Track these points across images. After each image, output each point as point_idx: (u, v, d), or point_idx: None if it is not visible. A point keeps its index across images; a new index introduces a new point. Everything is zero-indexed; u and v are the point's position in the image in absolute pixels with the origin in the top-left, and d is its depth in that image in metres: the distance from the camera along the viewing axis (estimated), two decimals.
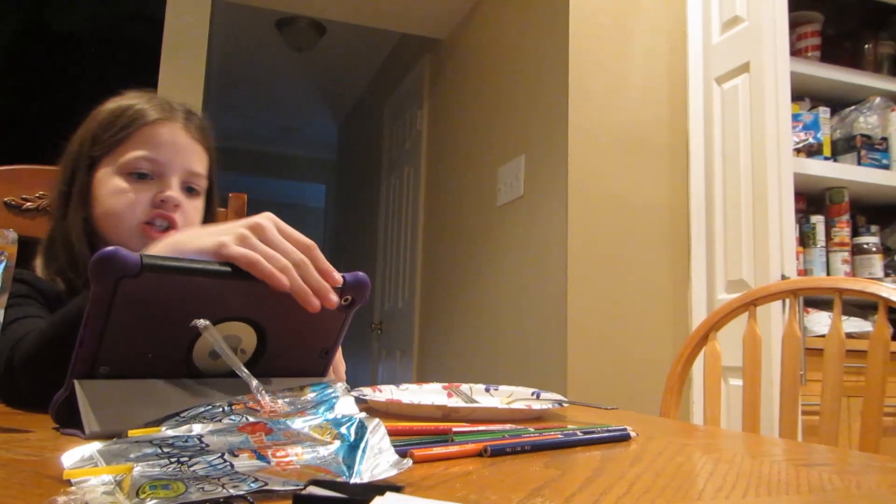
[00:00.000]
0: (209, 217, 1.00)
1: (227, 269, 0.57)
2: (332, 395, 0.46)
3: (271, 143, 5.83)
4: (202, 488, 0.31)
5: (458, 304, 2.76)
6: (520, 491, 0.39)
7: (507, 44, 2.56)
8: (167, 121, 0.92)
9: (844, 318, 1.64)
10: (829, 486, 0.45)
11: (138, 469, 0.32)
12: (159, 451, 0.35)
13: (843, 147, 2.15)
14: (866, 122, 2.15)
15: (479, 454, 0.49)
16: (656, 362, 1.97)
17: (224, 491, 0.31)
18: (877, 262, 2.10)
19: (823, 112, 2.13)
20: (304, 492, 0.32)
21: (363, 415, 0.42)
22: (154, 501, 0.30)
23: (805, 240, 2.07)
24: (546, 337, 2.07)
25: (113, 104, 0.94)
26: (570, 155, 2.03)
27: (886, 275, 2.12)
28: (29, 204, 1.11)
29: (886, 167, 2.14)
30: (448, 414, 0.71)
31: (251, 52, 4.06)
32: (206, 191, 0.97)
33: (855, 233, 2.14)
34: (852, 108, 2.19)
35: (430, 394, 0.90)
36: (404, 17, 3.13)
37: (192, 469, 0.33)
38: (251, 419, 0.41)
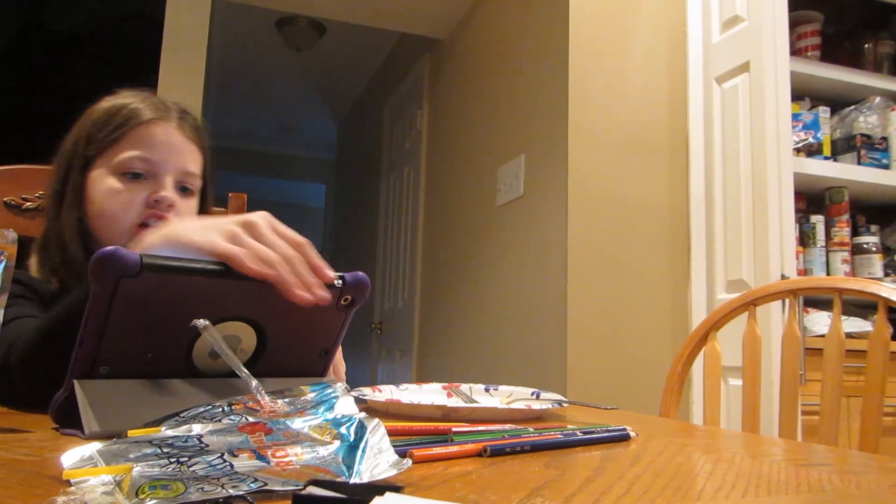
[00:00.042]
0: (204, 215, 1.00)
1: (228, 269, 0.57)
2: (332, 395, 0.46)
3: (271, 142, 5.83)
4: (202, 488, 0.31)
5: (458, 304, 2.76)
6: (519, 491, 0.39)
7: (506, 43, 2.56)
8: (161, 120, 0.92)
9: (844, 317, 1.64)
10: (828, 486, 0.45)
11: (138, 469, 0.32)
12: (159, 451, 0.35)
13: (843, 147, 2.15)
14: (866, 121, 2.15)
15: (479, 454, 0.49)
16: (656, 362, 1.97)
17: (224, 491, 0.31)
18: (876, 262, 2.10)
19: (823, 112, 2.13)
20: (303, 492, 0.32)
21: (363, 415, 0.42)
22: (153, 501, 0.30)
23: (805, 239, 2.07)
24: (546, 337, 2.07)
25: (107, 103, 0.93)
26: (569, 155, 2.03)
27: (886, 274, 2.12)
28: (29, 204, 1.11)
29: (886, 167, 2.14)
30: (448, 414, 0.71)
31: (251, 52, 4.06)
32: (200, 190, 0.97)
33: (855, 232, 2.14)
34: (852, 107, 2.19)
35: (429, 394, 0.90)
36: (404, 17, 3.13)
37: (191, 469, 0.33)
38: (251, 419, 0.41)
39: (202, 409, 0.42)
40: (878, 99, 2.18)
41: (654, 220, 2.07)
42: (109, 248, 0.51)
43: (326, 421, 0.41)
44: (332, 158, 5.64)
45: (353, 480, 0.36)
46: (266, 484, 0.33)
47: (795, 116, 2.01)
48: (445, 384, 0.93)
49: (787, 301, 1.53)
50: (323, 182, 6.01)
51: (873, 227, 2.17)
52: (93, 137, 0.91)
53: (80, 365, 0.53)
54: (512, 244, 2.34)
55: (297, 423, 0.40)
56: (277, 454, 0.36)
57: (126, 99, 0.94)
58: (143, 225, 0.88)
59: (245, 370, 0.49)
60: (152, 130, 0.91)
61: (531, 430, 0.58)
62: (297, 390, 0.47)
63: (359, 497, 0.30)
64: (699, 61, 2.09)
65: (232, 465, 0.34)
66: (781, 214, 1.77)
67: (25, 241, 0.83)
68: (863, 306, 1.98)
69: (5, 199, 1.10)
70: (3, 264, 0.54)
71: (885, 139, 2.16)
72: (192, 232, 0.60)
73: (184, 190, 0.93)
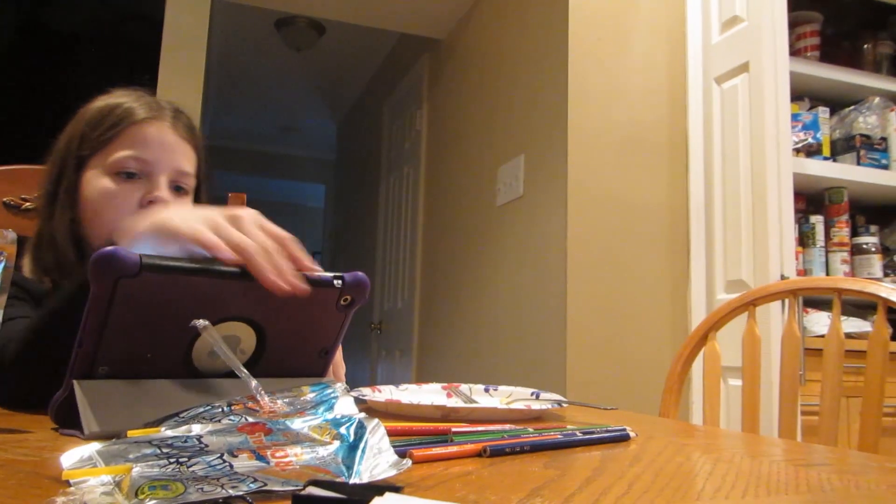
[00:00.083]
0: None
1: (227, 269, 0.57)
2: (332, 395, 0.46)
3: (270, 142, 5.83)
4: (201, 489, 0.31)
5: (458, 304, 2.76)
6: (519, 491, 0.39)
7: (506, 43, 2.56)
8: (155, 120, 0.92)
9: (844, 318, 1.64)
10: (828, 486, 0.45)
11: (137, 469, 0.32)
12: (158, 451, 0.35)
13: (843, 147, 2.15)
14: (865, 122, 2.15)
15: (479, 454, 0.49)
16: (656, 362, 1.98)
17: (223, 491, 0.31)
18: (876, 262, 2.10)
19: (823, 112, 2.13)
20: (303, 492, 0.32)
21: (362, 415, 0.42)
22: (153, 502, 0.30)
23: (804, 240, 2.07)
24: (545, 337, 2.07)
25: (101, 103, 0.93)
26: (569, 155, 2.03)
27: (885, 275, 2.12)
28: (28, 204, 1.11)
29: (885, 167, 2.14)
30: (447, 414, 0.71)
31: (250, 52, 4.06)
32: (194, 189, 0.97)
33: (854, 233, 2.14)
34: (851, 107, 2.19)
35: (429, 394, 0.90)
36: (403, 17, 3.13)
37: (191, 469, 0.33)
38: (250, 419, 0.41)
39: (202, 410, 0.42)
40: (877, 99, 2.18)
41: (654, 220, 2.07)
42: (109, 248, 0.51)
43: (326, 421, 0.41)
44: (332, 158, 5.64)
45: (352, 481, 0.36)
46: (266, 484, 0.33)
47: (795, 117, 2.01)
48: (445, 384, 0.93)
49: (786, 301, 1.53)
50: (322, 182, 6.01)
51: (872, 228, 2.17)
52: (86, 137, 0.90)
53: (79, 365, 0.53)
54: (511, 244, 2.34)
55: (297, 424, 0.40)
56: (277, 454, 0.36)
57: (119, 98, 0.93)
58: None
59: (244, 370, 0.49)
60: (146, 130, 0.91)
61: (531, 430, 0.58)
62: (297, 390, 0.47)
63: (358, 497, 0.30)
64: (699, 61, 2.09)
65: (231, 466, 0.34)
66: (781, 214, 1.77)
67: (22, 241, 0.83)
68: (862, 306, 1.98)
69: (5, 199, 1.10)
70: (3, 264, 0.54)
71: (884, 139, 2.16)
72: (178, 219, 0.61)
73: (178, 189, 0.93)
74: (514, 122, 2.41)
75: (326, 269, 0.63)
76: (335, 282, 0.62)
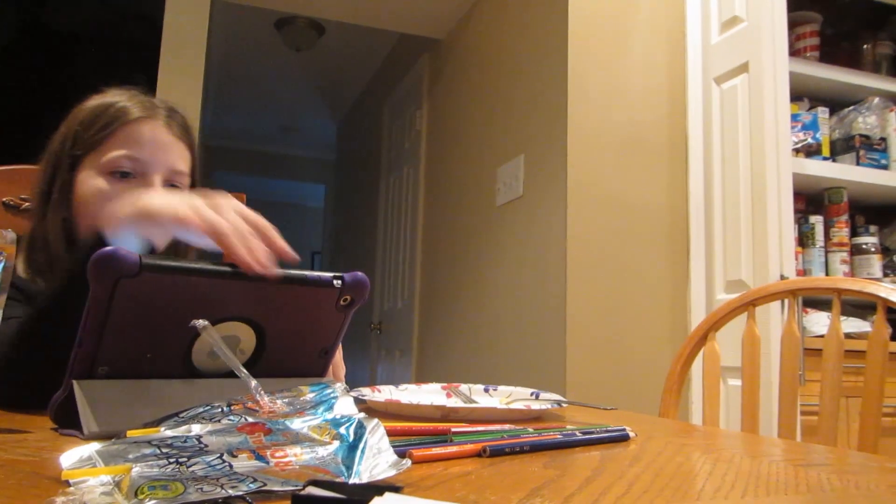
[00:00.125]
0: None
1: (227, 269, 0.57)
2: (331, 395, 0.46)
3: (270, 142, 5.83)
4: (201, 489, 0.31)
5: (458, 305, 2.76)
6: (519, 491, 0.39)
7: (506, 43, 2.56)
8: (149, 119, 0.91)
9: (843, 318, 1.65)
10: (827, 487, 0.45)
11: (137, 469, 0.32)
12: (158, 451, 0.35)
13: (842, 147, 2.15)
14: (865, 122, 2.15)
15: (478, 454, 0.49)
16: (655, 362, 1.98)
17: (223, 491, 0.31)
18: (875, 263, 2.10)
19: (822, 112, 2.13)
20: (302, 492, 0.32)
21: (362, 415, 0.42)
22: (153, 502, 0.30)
23: (804, 240, 2.07)
24: (545, 337, 2.07)
25: (94, 102, 0.93)
26: (569, 155, 2.03)
27: (885, 275, 2.12)
28: (28, 204, 1.11)
29: (885, 167, 2.14)
30: (447, 414, 0.71)
31: (250, 52, 4.06)
32: (189, 188, 0.97)
33: (854, 233, 2.14)
34: (851, 108, 2.19)
35: (429, 394, 0.90)
36: (403, 17, 3.13)
37: (190, 469, 0.33)
38: (250, 419, 0.41)
39: (201, 410, 0.42)
40: (876, 99, 2.18)
41: (654, 220, 2.07)
42: (108, 248, 0.51)
43: (326, 421, 0.41)
44: (332, 158, 5.64)
45: (352, 481, 0.36)
46: (265, 484, 0.33)
47: (794, 117, 2.01)
48: (445, 384, 0.93)
49: (786, 301, 1.53)
50: (322, 182, 6.01)
51: (872, 228, 2.17)
52: (80, 137, 0.90)
53: (79, 365, 0.53)
54: (511, 244, 2.34)
55: (297, 424, 0.40)
56: (277, 454, 0.36)
57: (113, 97, 0.93)
58: None
59: (244, 370, 0.49)
60: (140, 129, 0.90)
61: (530, 430, 0.58)
62: (297, 390, 0.47)
63: (358, 497, 0.30)
64: (698, 62, 2.09)
65: (231, 466, 0.34)
66: (780, 215, 1.77)
67: (17, 241, 0.83)
68: (862, 307, 1.98)
69: (4, 199, 1.10)
70: (3, 264, 0.54)
71: (883, 140, 2.16)
72: (158, 201, 0.63)
73: (173, 188, 0.93)
74: (514, 122, 2.41)
75: (326, 270, 0.63)
76: (335, 282, 0.62)
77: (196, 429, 0.38)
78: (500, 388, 0.93)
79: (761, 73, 1.84)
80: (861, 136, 2.13)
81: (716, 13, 2.05)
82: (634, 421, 0.81)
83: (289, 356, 0.65)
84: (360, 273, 0.65)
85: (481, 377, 2.25)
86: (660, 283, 2.05)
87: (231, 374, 0.50)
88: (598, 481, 0.43)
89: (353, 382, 0.78)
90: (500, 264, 2.42)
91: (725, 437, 0.79)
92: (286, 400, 0.45)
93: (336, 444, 0.39)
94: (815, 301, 1.96)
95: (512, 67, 2.48)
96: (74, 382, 0.52)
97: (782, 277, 1.73)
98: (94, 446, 0.35)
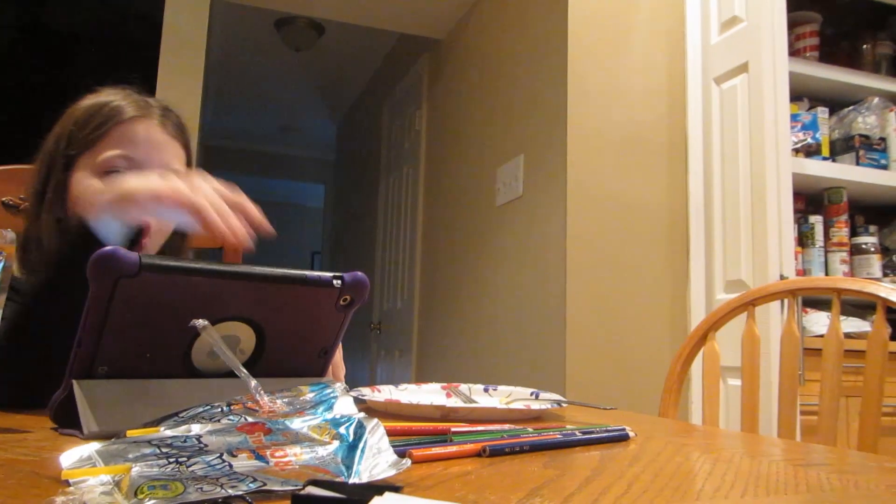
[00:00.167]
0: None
1: (227, 269, 0.57)
2: (331, 395, 0.46)
3: (270, 142, 5.83)
4: (201, 488, 0.31)
5: (457, 305, 2.76)
6: (518, 491, 0.39)
7: (505, 43, 2.56)
8: (144, 118, 0.91)
9: (843, 318, 1.64)
10: (827, 486, 0.45)
11: (137, 469, 0.32)
12: (158, 451, 0.35)
13: (842, 147, 2.15)
14: (864, 122, 2.15)
15: (478, 454, 0.49)
16: (655, 362, 1.98)
17: (222, 491, 0.31)
18: (875, 262, 2.10)
19: (822, 112, 2.13)
20: (302, 492, 0.32)
21: (362, 415, 0.42)
22: (152, 502, 0.30)
23: (803, 240, 2.07)
24: (545, 337, 2.07)
25: (88, 101, 0.92)
26: (568, 155, 2.03)
27: (885, 275, 2.12)
28: (27, 204, 1.11)
29: (885, 167, 2.14)
30: (447, 414, 0.71)
31: (250, 52, 4.06)
32: None
33: (853, 233, 2.15)
34: (851, 108, 2.19)
35: (428, 394, 0.90)
36: (403, 17, 3.13)
37: (190, 469, 0.33)
38: (250, 419, 0.41)
39: (201, 410, 0.42)
40: (876, 99, 2.18)
41: (653, 220, 2.07)
42: (108, 248, 0.51)
43: (325, 421, 0.41)
44: (331, 158, 5.64)
45: (352, 480, 0.36)
46: (265, 484, 0.33)
47: (794, 117, 2.01)
48: (444, 384, 0.93)
49: (785, 301, 1.53)
50: (322, 182, 6.01)
51: (872, 228, 2.17)
52: (74, 137, 0.89)
53: (78, 365, 0.53)
54: (511, 244, 2.34)
55: (296, 424, 0.40)
56: (276, 454, 0.36)
57: (107, 97, 0.92)
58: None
59: (244, 370, 0.49)
60: (134, 128, 0.90)
61: (530, 430, 0.58)
62: (296, 390, 0.47)
63: (358, 497, 0.30)
64: (698, 62, 2.09)
65: (231, 466, 0.34)
66: (780, 215, 1.77)
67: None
68: (861, 306, 1.98)
69: (4, 199, 1.10)
70: (2, 264, 0.54)
71: (883, 140, 2.16)
72: (136, 183, 0.65)
73: None
74: (514, 122, 2.41)
75: (326, 269, 0.63)
76: (334, 282, 0.62)
77: (196, 428, 0.38)
78: (500, 387, 0.93)
79: (761, 73, 1.84)
80: (861, 136, 2.13)
81: (715, 13, 2.05)
82: (634, 421, 0.81)
83: (288, 356, 0.65)
84: (359, 273, 0.65)
85: (481, 377, 2.25)
86: (659, 282, 2.05)
87: (231, 374, 0.50)
88: (597, 481, 0.43)
89: (352, 382, 0.78)
90: (499, 264, 2.42)
91: (725, 436, 0.79)
92: (286, 400, 0.45)
93: (336, 443, 0.39)
94: (815, 301, 1.96)
95: (512, 67, 2.48)
96: (74, 382, 0.52)
97: (782, 277, 1.73)
98: (93, 446, 0.35)
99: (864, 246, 2.12)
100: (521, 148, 2.33)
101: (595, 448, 0.57)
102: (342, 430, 0.40)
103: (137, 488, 0.30)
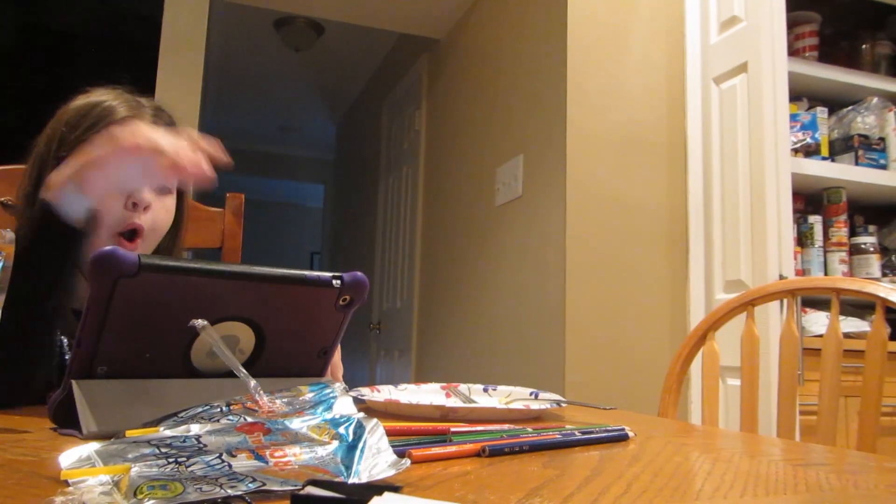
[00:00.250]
0: (180, 214, 1.00)
1: (227, 269, 0.57)
2: (331, 395, 0.46)
3: (269, 142, 5.83)
4: (200, 488, 0.31)
5: (457, 305, 2.76)
6: (518, 491, 0.39)
7: (505, 43, 2.56)
8: (135, 118, 0.90)
9: (842, 318, 1.64)
10: (826, 486, 0.45)
11: (136, 469, 0.32)
12: (157, 451, 0.35)
13: (841, 147, 2.16)
14: (864, 122, 2.15)
15: (478, 454, 0.49)
16: (654, 362, 1.98)
17: (222, 491, 0.31)
18: (874, 262, 2.10)
19: (821, 112, 2.13)
20: (302, 492, 0.32)
21: (361, 415, 0.42)
22: (152, 502, 0.30)
23: (803, 240, 2.07)
24: (544, 337, 2.07)
25: (79, 102, 0.92)
26: (568, 155, 2.03)
27: (884, 275, 2.12)
28: (18, 206, 1.11)
29: (884, 167, 2.14)
30: (446, 414, 0.71)
31: (249, 52, 4.06)
32: (175, 191, 0.97)
33: (853, 233, 2.15)
34: (850, 108, 2.19)
35: (428, 394, 0.90)
36: (402, 17, 3.13)
37: (189, 469, 0.33)
38: (249, 419, 0.41)
39: (200, 410, 0.42)
40: (875, 99, 2.18)
41: (653, 220, 2.08)
42: (107, 248, 0.51)
43: (325, 421, 0.41)
44: (331, 158, 5.64)
45: (351, 480, 0.36)
46: (264, 484, 0.33)
47: (793, 117, 2.02)
48: (444, 384, 0.93)
49: (785, 301, 1.53)
50: (321, 182, 6.01)
51: (871, 228, 2.17)
52: (65, 138, 0.88)
53: (78, 365, 0.53)
54: (510, 244, 2.34)
55: (296, 424, 0.40)
56: (276, 454, 0.36)
57: (98, 97, 0.92)
58: (121, 234, 0.88)
59: (243, 370, 0.49)
60: None
61: (530, 430, 0.58)
62: (296, 390, 0.47)
63: (357, 497, 0.30)
64: (697, 62, 2.09)
65: (230, 466, 0.34)
66: (779, 214, 1.77)
67: None
68: (861, 306, 1.98)
69: (2, 199, 1.10)
70: (2, 264, 0.54)
71: (882, 139, 2.16)
72: (95, 148, 0.68)
73: (161, 189, 0.93)
74: (513, 122, 2.41)
75: (325, 269, 0.63)
76: (334, 282, 0.62)
77: (195, 429, 0.38)
78: (500, 387, 0.93)
79: (760, 73, 1.84)
80: (860, 135, 2.13)
81: (715, 13, 2.05)
82: (633, 421, 0.81)
83: (288, 356, 0.65)
84: (359, 273, 0.65)
85: (480, 377, 2.25)
86: (659, 282, 2.05)
87: (230, 374, 0.50)
88: (597, 481, 0.43)
89: (352, 382, 0.78)
90: (499, 264, 2.42)
91: (724, 436, 0.79)
92: (285, 400, 0.45)
93: (335, 443, 0.39)
94: (814, 301, 1.96)
95: (511, 67, 2.48)
96: (73, 382, 0.52)
97: (781, 277, 1.73)
98: (93, 446, 0.35)
99: (863, 246, 2.12)
100: (521, 148, 2.33)
101: (594, 448, 0.57)
102: (341, 430, 0.40)
103: (137, 488, 0.30)
